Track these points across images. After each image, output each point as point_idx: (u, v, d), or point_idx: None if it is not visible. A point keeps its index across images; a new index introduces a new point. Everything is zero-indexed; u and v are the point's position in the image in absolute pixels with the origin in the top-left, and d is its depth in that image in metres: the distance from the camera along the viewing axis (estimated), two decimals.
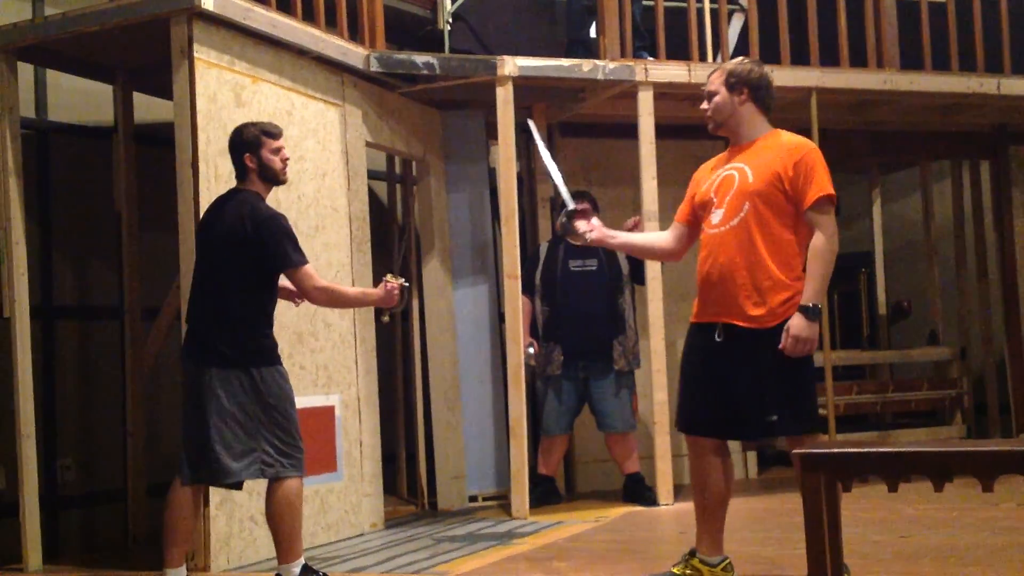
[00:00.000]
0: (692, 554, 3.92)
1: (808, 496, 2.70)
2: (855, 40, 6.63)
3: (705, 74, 6.19)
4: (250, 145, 4.15)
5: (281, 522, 4.03)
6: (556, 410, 6.25)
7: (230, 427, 3.98)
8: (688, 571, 3.90)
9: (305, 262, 4.08)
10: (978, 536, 4.69)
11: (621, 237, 4.23)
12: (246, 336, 4.05)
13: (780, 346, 3.61)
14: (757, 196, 3.71)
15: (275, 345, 4.17)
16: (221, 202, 4.21)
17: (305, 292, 4.13)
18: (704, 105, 3.94)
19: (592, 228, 4.06)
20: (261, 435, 4.01)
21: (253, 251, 4.02)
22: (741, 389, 3.70)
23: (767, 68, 3.97)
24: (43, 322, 5.43)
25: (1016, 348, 7.84)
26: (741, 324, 3.70)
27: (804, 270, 3.72)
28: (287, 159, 4.23)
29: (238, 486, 4.13)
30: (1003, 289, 7.94)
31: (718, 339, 3.74)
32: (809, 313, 3.61)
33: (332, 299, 4.25)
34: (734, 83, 3.83)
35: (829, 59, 6.54)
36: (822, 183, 3.68)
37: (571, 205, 4.08)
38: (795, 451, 2.83)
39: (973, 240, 8.26)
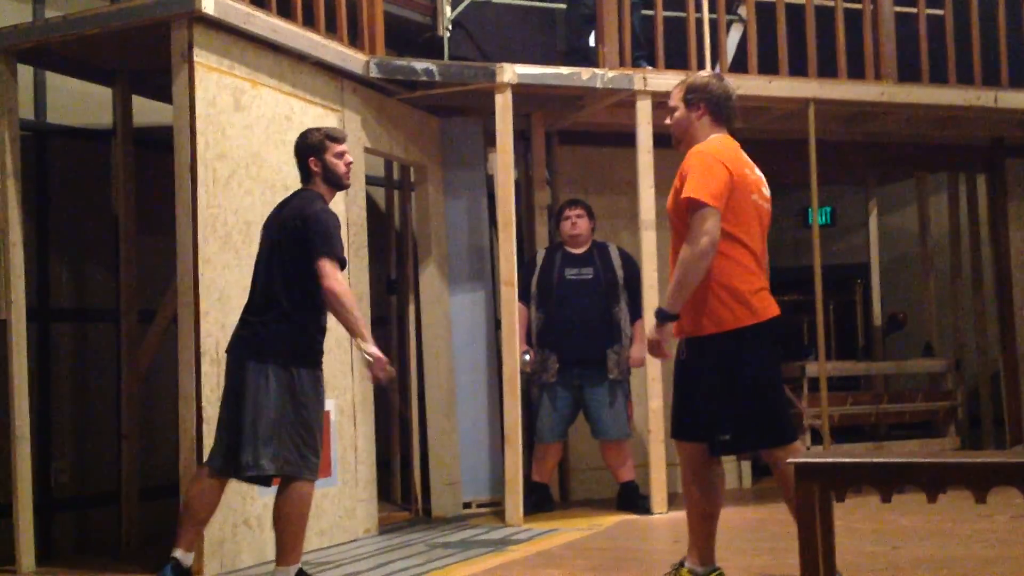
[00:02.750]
0: (681, 564, 3.92)
1: (801, 505, 2.71)
2: (853, 52, 6.65)
3: None
4: (315, 149, 4.25)
5: (288, 523, 4.05)
6: (551, 417, 6.26)
7: (261, 421, 4.02)
8: None
9: (332, 257, 4.05)
10: (971, 548, 4.70)
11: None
12: (289, 334, 4.09)
13: (633, 351, 3.71)
14: (669, 214, 3.82)
15: (319, 349, 4.20)
16: (286, 202, 4.31)
17: (320, 284, 4.06)
18: (667, 120, 3.95)
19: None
20: (287, 433, 4.03)
21: (302, 247, 4.07)
22: (697, 404, 3.75)
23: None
24: (39, 324, 5.42)
25: (1010, 360, 7.86)
26: (685, 336, 3.78)
27: (753, 278, 3.72)
28: (351, 163, 4.34)
29: (261, 481, 4.16)
30: (998, 301, 7.96)
31: (681, 357, 3.81)
32: (657, 316, 3.69)
33: (336, 305, 4.08)
34: (691, 99, 3.84)
35: (827, 70, 6.56)
36: (690, 185, 3.64)
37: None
38: (789, 460, 2.84)
39: (969, 253, 8.27)
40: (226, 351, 4.27)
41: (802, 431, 6.95)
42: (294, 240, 4.10)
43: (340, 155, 4.26)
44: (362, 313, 4.32)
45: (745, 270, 3.70)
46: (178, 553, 4.11)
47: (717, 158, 3.70)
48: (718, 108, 3.83)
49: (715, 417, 3.68)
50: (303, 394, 4.08)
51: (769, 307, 3.74)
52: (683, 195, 3.65)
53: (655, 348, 3.73)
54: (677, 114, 3.87)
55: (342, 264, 4.11)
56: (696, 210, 3.61)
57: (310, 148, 4.25)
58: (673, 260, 3.77)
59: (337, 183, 4.29)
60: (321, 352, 4.22)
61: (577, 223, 6.33)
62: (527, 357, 6.16)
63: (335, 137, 4.28)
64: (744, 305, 3.68)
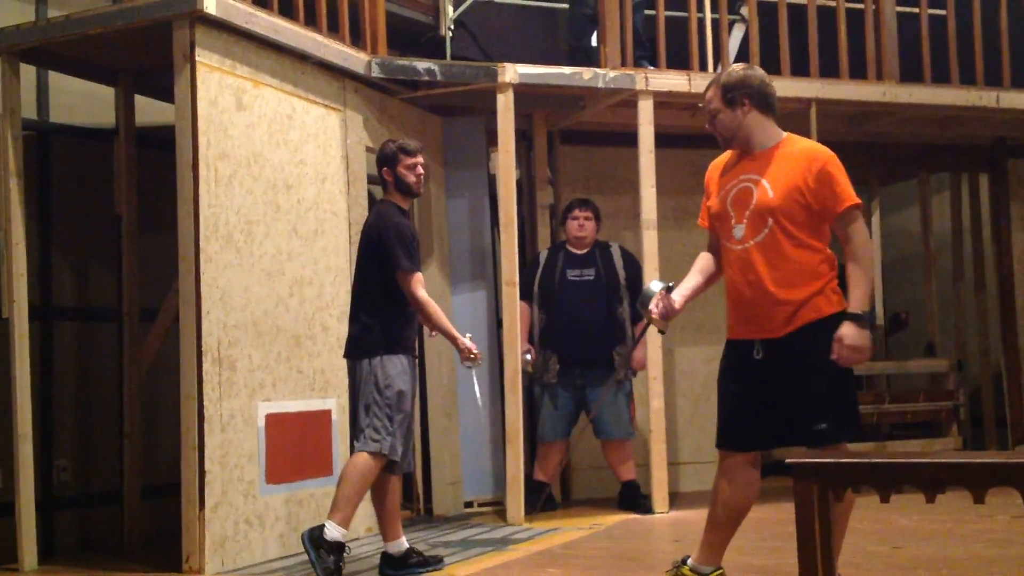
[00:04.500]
0: (683, 562, 3.90)
1: (801, 505, 2.71)
2: (855, 52, 6.65)
3: (705, 83, 6.29)
4: (388, 160, 4.61)
5: (343, 483, 4.42)
6: (552, 417, 6.27)
7: (362, 408, 4.45)
8: None
9: (413, 269, 4.49)
10: (971, 548, 4.70)
11: (685, 294, 3.95)
12: (373, 328, 4.47)
13: (833, 356, 3.53)
14: (779, 212, 3.64)
15: (403, 337, 4.55)
16: (372, 212, 4.76)
17: (406, 294, 4.50)
18: (708, 126, 3.84)
19: (656, 311, 3.92)
20: (372, 412, 4.43)
21: (379, 254, 4.49)
22: (787, 399, 3.62)
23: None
24: (42, 323, 5.44)
25: (1013, 360, 7.85)
26: (780, 336, 3.64)
27: (833, 271, 3.68)
28: (422, 174, 4.65)
29: (392, 467, 4.50)
30: (1000, 302, 7.95)
31: (757, 356, 3.67)
32: (859, 320, 3.54)
33: (422, 312, 4.56)
34: (732, 97, 3.73)
35: (829, 70, 6.56)
36: (846, 193, 3.62)
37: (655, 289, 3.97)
38: (788, 460, 2.84)
39: (971, 253, 8.27)
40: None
41: None
42: (372, 246, 4.54)
43: (412, 167, 4.60)
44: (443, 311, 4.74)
45: (830, 268, 3.73)
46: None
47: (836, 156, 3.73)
48: (762, 99, 3.74)
49: (809, 409, 3.60)
50: (385, 377, 4.44)
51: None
52: (848, 202, 3.61)
53: (862, 353, 3.57)
54: (721, 116, 3.76)
55: (417, 269, 4.52)
56: (858, 211, 3.64)
57: (384, 159, 4.63)
58: (765, 264, 3.66)
59: (407, 191, 4.64)
60: (406, 338, 4.56)
61: (584, 225, 6.35)
62: (528, 357, 6.17)
63: (408, 150, 4.61)
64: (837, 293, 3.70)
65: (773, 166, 3.69)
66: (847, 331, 3.52)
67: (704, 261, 4.01)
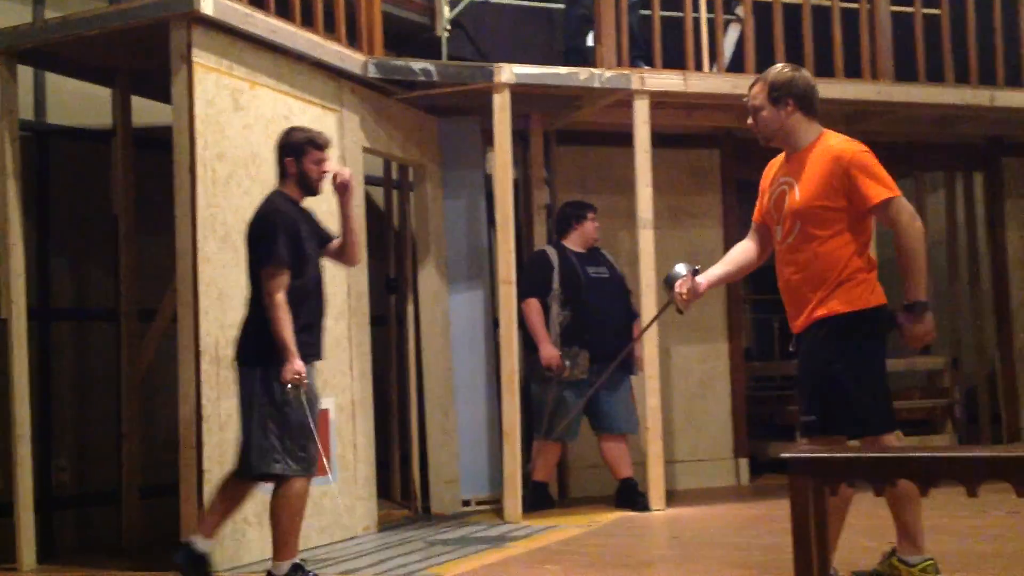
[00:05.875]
0: (892, 553, 3.92)
1: (796, 499, 2.74)
2: (850, 51, 6.68)
3: (701, 83, 6.35)
4: (295, 149, 4.27)
5: (276, 520, 4.13)
6: (572, 415, 6.12)
7: (250, 423, 4.13)
8: (886, 570, 3.90)
9: (274, 263, 4.08)
10: (965, 543, 4.73)
11: (710, 278, 4.04)
12: (259, 334, 4.13)
13: (906, 342, 3.69)
14: (801, 216, 3.74)
15: (300, 342, 4.14)
16: (263, 201, 4.35)
17: (264, 287, 4.12)
18: (749, 121, 3.90)
19: (684, 293, 3.97)
20: (272, 432, 4.10)
21: (250, 247, 4.18)
22: (827, 389, 3.71)
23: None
24: (40, 323, 5.45)
25: (1007, 358, 7.88)
26: (800, 331, 3.79)
27: (866, 270, 3.77)
28: (326, 172, 4.31)
29: (262, 478, 4.22)
30: (995, 300, 7.98)
31: (791, 350, 3.85)
32: (914, 310, 3.68)
33: (272, 313, 4.10)
34: (777, 96, 3.79)
35: (824, 70, 6.58)
36: (872, 190, 3.67)
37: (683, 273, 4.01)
38: (784, 455, 2.87)
39: (966, 251, 8.30)
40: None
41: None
42: (250, 240, 4.23)
43: (319, 162, 4.28)
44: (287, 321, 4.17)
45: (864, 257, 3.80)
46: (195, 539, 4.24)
47: (868, 150, 3.78)
48: (806, 101, 3.81)
49: (843, 400, 3.69)
50: (281, 392, 4.10)
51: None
52: (876, 198, 3.67)
53: (927, 336, 3.72)
54: (764, 113, 3.82)
55: (285, 264, 4.10)
56: (890, 205, 3.69)
57: (290, 148, 4.28)
58: (796, 263, 3.75)
59: (309, 188, 4.32)
60: (309, 346, 4.23)
61: (598, 227, 6.43)
62: (567, 363, 6.16)
63: (318, 144, 4.30)
64: (875, 285, 3.80)
65: (806, 169, 3.78)
66: (905, 324, 3.71)
67: (736, 252, 4.12)
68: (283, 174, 4.30)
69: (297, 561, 4.16)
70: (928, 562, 3.83)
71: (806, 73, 3.92)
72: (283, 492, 4.14)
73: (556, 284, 6.32)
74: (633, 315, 6.36)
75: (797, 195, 3.76)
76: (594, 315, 6.25)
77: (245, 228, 4.31)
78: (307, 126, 4.46)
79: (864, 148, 3.78)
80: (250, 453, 4.15)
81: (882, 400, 3.79)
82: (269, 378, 4.11)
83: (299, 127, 4.47)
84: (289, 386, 4.09)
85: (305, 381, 4.14)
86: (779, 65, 4.01)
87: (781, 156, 3.96)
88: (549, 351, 6.15)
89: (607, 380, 6.03)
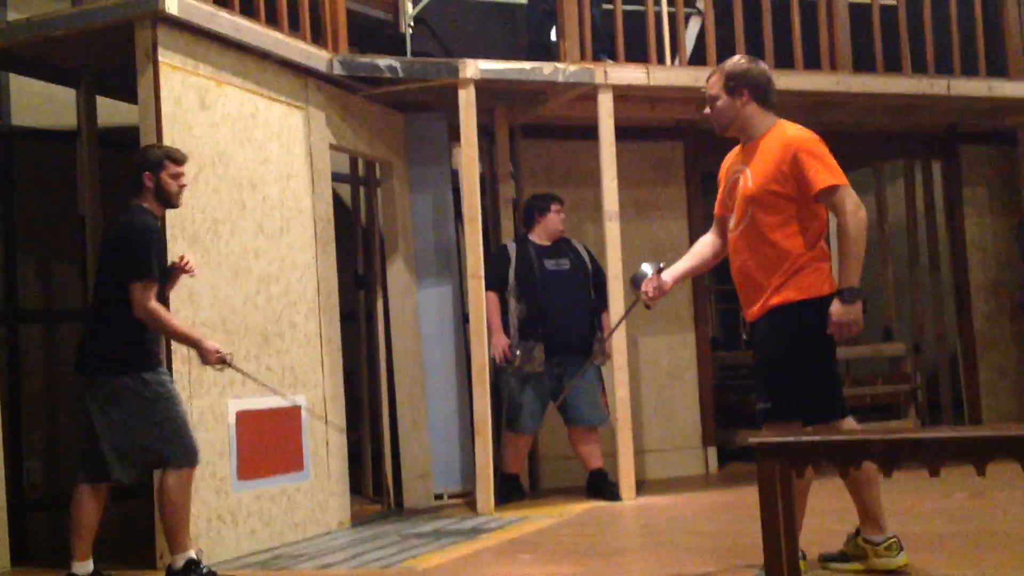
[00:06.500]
0: (857, 533, 4.00)
1: (764, 483, 2.80)
2: (809, 43, 6.77)
3: (664, 76, 6.42)
4: (152, 165, 4.39)
5: (163, 515, 4.33)
6: (532, 408, 6.29)
7: (124, 426, 4.27)
8: (852, 550, 3.99)
9: (150, 277, 4.23)
10: (929, 525, 4.83)
11: (675, 274, 4.14)
12: (119, 340, 4.28)
13: (828, 331, 3.67)
14: (754, 201, 3.82)
15: (153, 351, 4.37)
16: (124, 213, 4.42)
17: (135, 303, 4.24)
18: (706, 110, 3.98)
19: (651, 292, 4.07)
20: (156, 429, 4.28)
21: (124, 257, 4.25)
22: (781, 376, 3.79)
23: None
24: (8, 325, 5.44)
25: (968, 344, 8.01)
26: (755, 319, 3.85)
27: (821, 258, 3.81)
28: (184, 186, 4.45)
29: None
30: (955, 286, 8.10)
31: (745, 337, 3.89)
32: (845, 296, 3.66)
33: (155, 325, 4.30)
34: (733, 86, 3.88)
35: (783, 61, 6.67)
36: (817, 176, 3.73)
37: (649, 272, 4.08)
38: (752, 440, 2.93)
39: (926, 238, 8.42)
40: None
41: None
42: (111, 251, 4.34)
43: (176, 176, 4.40)
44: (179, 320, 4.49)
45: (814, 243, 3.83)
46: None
47: (819, 139, 3.82)
48: (761, 91, 3.89)
49: (783, 387, 3.77)
50: (151, 395, 4.28)
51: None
52: (820, 185, 3.71)
53: (854, 326, 3.69)
54: (719, 103, 3.91)
55: (156, 279, 4.27)
56: (836, 192, 3.73)
57: (147, 163, 4.40)
58: (748, 250, 3.82)
59: (167, 201, 4.42)
60: (154, 351, 4.38)
61: (564, 218, 6.48)
62: (518, 352, 6.22)
63: (175, 158, 4.41)
64: (828, 274, 3.82)
65: (757, 156, 3.86)
66: (832, 307, 3.67)
67: (699, 245, 4.20)
68: (141, 188, 4.39)
69: (192, 555, 4.27)
70: (891, 539, 3.93)
71: (763, 65, 4.00)
72: (164, 486, 4.27)
73: (511, 278, 6.38)
74: (597, 307, 6.39)
75: (749, 181, 3.83)
76: (550, 309, 6.31)
77: (108, 237, 4.41)
78: (165, 146, 4.53)
79: (816, 137, 3.85)
80: (127, 456, 4.27)
81: (835, 387, 3.87)
82: (143, 380, 4.26)
83: (156, 144, 4.56)
84: (216, 367, 4.40)
85: (231, 353, 4.43)
86: (736, 56, 4.10)
87: (738, 147, 4.03)
88: (496, 341, 6.22)
89: (572, 371, 6.14)
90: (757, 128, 3.90)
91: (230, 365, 4.45)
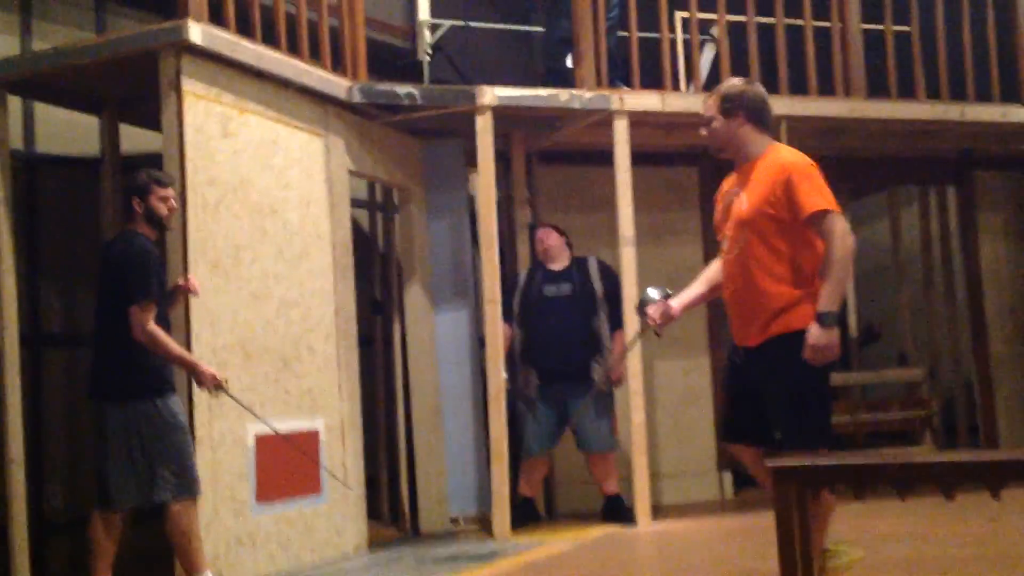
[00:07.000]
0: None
1: (780, 506, 2.83)
2: (823, 69, 6.82)
3: (679, 103, 6.47)
4: (140, 190, 4.44)
5: (175, 544, 4.35)
6: (536, 432, 6.36)
7: (132, 454, 4.30)
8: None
9: (149, 299, 4.27)
10: (946, 549, 4.82)
11: (684, 302, 4.14)
12: (129, 366, 4.31)
13: (803, 355, 3.64)
14: (748, 226, 3.80)
15: (165, 375, 4.39)
16: (111, 242, 4.52)
17: (135, 326, 4.27)
18: (703, 131, 3.99)
19: (657, 318, 4.07)
20: (164, 458, 4.30)
21: (124, 280, 4.29)
22: (761, 404, 3.80)
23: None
24: (31, 350, 5.50)
25: (983, 368, 7.99)
26: (754, 345, 3.82)
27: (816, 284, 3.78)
28: (174, 208, 4.50)
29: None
30: (970, 311, 8.10)
31: (738, 361, 3.90)
32: (822, 320, 3.63)
33: (154, 347, 4.32)
34: (729, 108, 3.89)
35: (798, 88, 6.72)
36: (808, 200, 3.71)
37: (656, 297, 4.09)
38: (768, 463, 2.96)
39: (940, 263, 8.43)
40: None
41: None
42: (114, 276, 4.35)
43: (164, 199, 4.45)
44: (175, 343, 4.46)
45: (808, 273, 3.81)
46: None
47: (814, 165, 3.82)
48: (757, 114, 3.90)
49: (770, 418, 3.79)
50: (158, 423, 4.31)
51: None
52: (810, 209, 3.69)
53: (828, 351, 3.66)
54: (715, 124, 3.92)
55: (156, 302, 4.30)
56: (825, 217, 3.70)
57: (136, 189, 4.45)
58: (741, 275, 3.81)
59: (158, 224, 4.48)
60: (163, 378, 4.39)
61: (544, 239, 6.50)
62: (504, 375, 6.27)
63: (162, 182, 4.47)
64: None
65: (752, 179, 3.85)
66: (811, 331, 3.63)
67: (710, 271, 4.16)
68: (132, 214, 4.45)
69: None
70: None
71: (759, 87, 4.00)
72: (170, 514, 4.30)
73: (515, 306, 6.43)
74: (612, 327, 6.36)
75: (744, 204, 3.82)
76: (541, 335, 6.36)
77: (106, 262, 4.42)
78: (151, 171, 4.56)
79: (810, 162, 3.84)
80: (131, 482, 4.30)
81: (825, 417, 3.86)
82: (156, 406, 4.29)
83: (142, 170, 4.59)
84: (214, 392, 4.40)
85: (227, 379, 4.43)
86: (733, 79, 4.11)
87: (734, 173, 4.02)
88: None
89: (577, 398, 6.16)
90: (752, 150, 3.90)
91: (225, 392, 4.46)
